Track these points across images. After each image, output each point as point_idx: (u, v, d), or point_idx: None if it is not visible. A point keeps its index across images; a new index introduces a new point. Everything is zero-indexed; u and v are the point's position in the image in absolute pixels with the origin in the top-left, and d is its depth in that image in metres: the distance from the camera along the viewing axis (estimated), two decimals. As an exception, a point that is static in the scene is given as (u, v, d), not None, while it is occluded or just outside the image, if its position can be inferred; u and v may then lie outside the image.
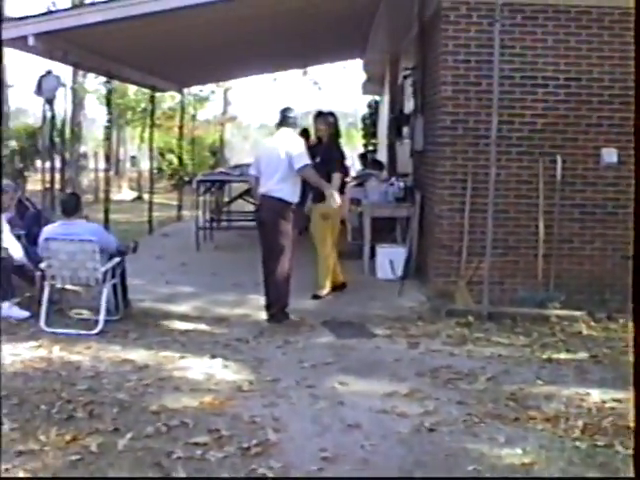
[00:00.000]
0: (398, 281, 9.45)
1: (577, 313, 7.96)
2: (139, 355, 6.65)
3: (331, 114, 9.45)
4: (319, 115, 9.57)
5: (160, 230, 15.42)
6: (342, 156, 9.19)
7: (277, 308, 8.00)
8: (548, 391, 5.82)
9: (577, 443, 4.81)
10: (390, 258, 9.95)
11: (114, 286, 7.86)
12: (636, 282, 4.67)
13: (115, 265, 7.80)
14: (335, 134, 9.24)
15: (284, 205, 7.87)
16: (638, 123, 5.05)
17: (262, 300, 8.18)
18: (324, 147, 9.18)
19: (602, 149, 8.79)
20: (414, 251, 9.98)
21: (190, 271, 10.63)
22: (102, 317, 7.42)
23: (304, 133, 11.54)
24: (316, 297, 8.96)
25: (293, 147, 7.92)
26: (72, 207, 7.79)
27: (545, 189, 8.76)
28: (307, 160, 7.94)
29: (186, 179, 21.56)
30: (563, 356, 6.79)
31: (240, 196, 14.41)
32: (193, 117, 22.94)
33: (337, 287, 9.27)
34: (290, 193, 7.89)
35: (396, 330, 7.60)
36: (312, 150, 8.60)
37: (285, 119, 8.14)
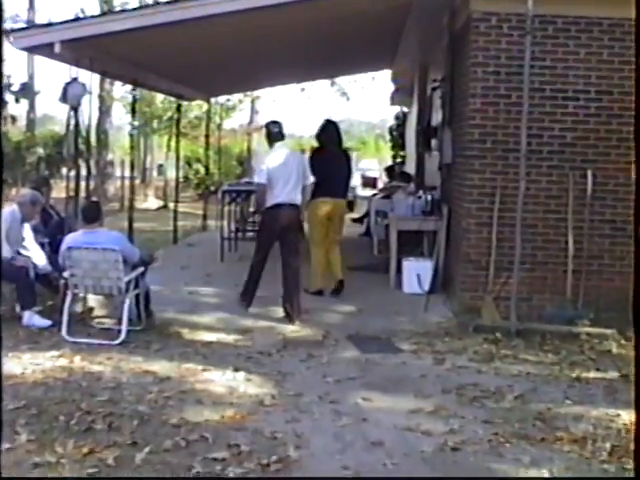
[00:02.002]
0: (424, 295, 9.40)
1: (607, 331, 7.84)
2: (161, 366, 6.64)
3: (329, 123, 10.32)
4: (322, 125, 10.35)
5: (185, 240, 15.45)
6: (325, 161, 9.81)
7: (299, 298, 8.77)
8: (576, 411, 5.74)
9: (605, 466, 4.75)
10: (417, 272, 9.89)
11: (137, 296, 7.86)
12: (637, 298, 4.63)
13: (138, 275, 7.80)
14: (326, 140, 10.07)
15: (301, 211, 9.00)
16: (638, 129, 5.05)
17: (281, 310, 8.35)
18: None
19: (634, 164, 8.67)
20: (441, 265, 9.93)
21: (215, 282, 10.62)
22: (124, 327, 7.41)
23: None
24: (305, 291, 9.47)
25: (306, 163, 9.12)
26: (92, 215, 7.79)
27: (575, 204, 8.68)
28: (312, 177, 9.11)
29: (212, 189, 21.58)
30: (592, 375, 6.71)
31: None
32: (219, 126, 22.96)
33: (335, 287, 9.92)
34: (301, 199, 8.96)
35: (422, 345, 7.56)
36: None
37: (280, 134, 9.00)
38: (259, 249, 8.92)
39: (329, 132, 10.15)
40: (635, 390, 4.16)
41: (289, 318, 8.52)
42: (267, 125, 9.16)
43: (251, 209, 15.42)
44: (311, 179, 9.08)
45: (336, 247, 10.07)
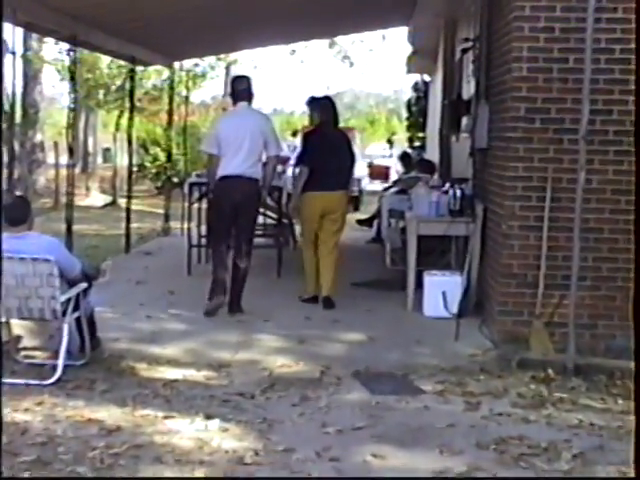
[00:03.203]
0: (453, 320, 9.40)
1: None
2: (109, 414, 6.60)
3: (322, 98, 11.11)
4: (310, 102, 11.02)
5: (140, 247, 15.54)
6: (318, 145, 10.42)
7: (240, 296, 9.90)
8: (657, 474, 5.71)
9: None
10: (442, 289, 9.89)
11: (78, 321, 7.82)
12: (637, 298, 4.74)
13: (80, 293, 7.75)
14: (320, 119, 10.61)
15: (259, 187, 9.85)
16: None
17: (273, 340, 8.63)
18: None
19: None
20: (474, 281, 9.98)
21: (180, 302, 10.61)
22: (61, 362, 7.38)
23: None
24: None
25: (270, 129, 9.94)
26: (19, 215, 7.72)
27: (652, 201, 8.65)
28: (281, 149, 10.19)
29: (175, 180, 21.59)
30: (678, 427, 6.68)
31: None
32: (186, 99, 22.94)
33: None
34: (260, 174, 9.80)
35: (450, 385, 7.55)
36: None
37: (246, 92, 9.88)
38: (212, 237, 10.18)
39: (322, 108, 10.61)
40: (635, 390, 4.16)
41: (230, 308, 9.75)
42: (232, 81, 10.06)
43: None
44: (277, 150, 9.97)
45: (329, 252, 10.44)
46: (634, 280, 5.13)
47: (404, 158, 18.66)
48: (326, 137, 10.44)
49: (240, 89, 9.81)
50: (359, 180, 21.38)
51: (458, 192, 10.55)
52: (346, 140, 10.72)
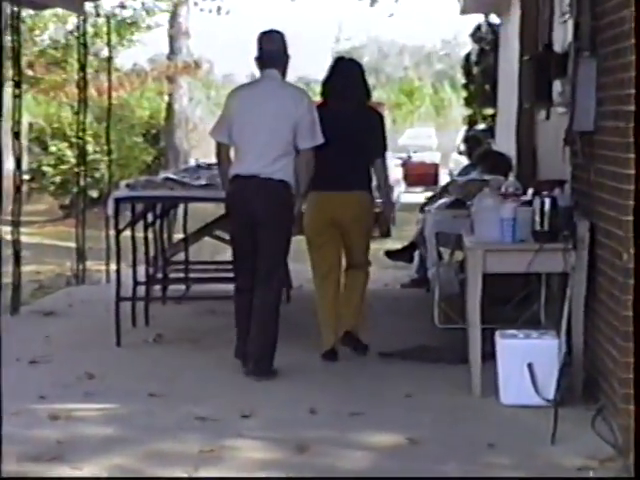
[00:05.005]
0: (548, 409, 9.25)
1: None
2: None
3: (339, 61, 11.86)
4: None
5: (38, 303, 15.54)
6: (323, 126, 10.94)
7: (271, 354, 10.60)
8: None
9: None
10: (528, 360, 9.76)
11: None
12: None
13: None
14: (330, 91, 11.42)
15: (289, 192, 10.47)
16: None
17: (256, 448, 8.55)
18: None
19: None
20: (579, 346, 9.92)
21: (105, 390, 10.59)
22: None
23: None
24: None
25: (305, 110, 10.38)
26: None
27: None
28: (318, 140, 10.47)
29: (94, 195, 21.52)
30: None
31: (210, 229, 14.29)
32: (108, 62, 22.79)
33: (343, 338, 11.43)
34: (292, 175, 10.41)
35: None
36: None
37: (272, 55, 10.44)
38: (234, 266, 11.14)
39: (336, 76, 11.16)
40: (634, 387, 5.64)
41: (245, 368, 10.57)
42: (258, 39, 10.47)
43: (179, 235, 15.34)
44: (313, 140, 10.41)
45: (354, 274, 11.15)
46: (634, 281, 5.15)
47: (471, 142, 18.58)
48: (336, 115, 10.80)
49: (268, 50, 10.24)
50: (390, 187, 21.24)
51: (548, 203, 10.39)
52: (374, 121, 11.20)
